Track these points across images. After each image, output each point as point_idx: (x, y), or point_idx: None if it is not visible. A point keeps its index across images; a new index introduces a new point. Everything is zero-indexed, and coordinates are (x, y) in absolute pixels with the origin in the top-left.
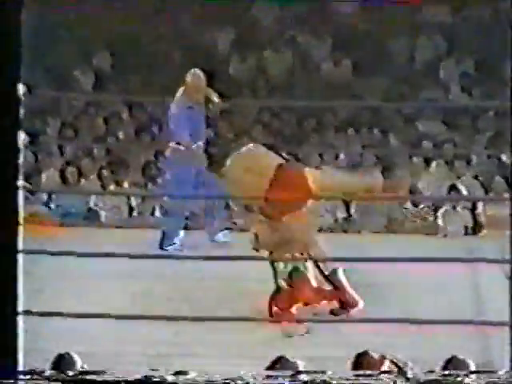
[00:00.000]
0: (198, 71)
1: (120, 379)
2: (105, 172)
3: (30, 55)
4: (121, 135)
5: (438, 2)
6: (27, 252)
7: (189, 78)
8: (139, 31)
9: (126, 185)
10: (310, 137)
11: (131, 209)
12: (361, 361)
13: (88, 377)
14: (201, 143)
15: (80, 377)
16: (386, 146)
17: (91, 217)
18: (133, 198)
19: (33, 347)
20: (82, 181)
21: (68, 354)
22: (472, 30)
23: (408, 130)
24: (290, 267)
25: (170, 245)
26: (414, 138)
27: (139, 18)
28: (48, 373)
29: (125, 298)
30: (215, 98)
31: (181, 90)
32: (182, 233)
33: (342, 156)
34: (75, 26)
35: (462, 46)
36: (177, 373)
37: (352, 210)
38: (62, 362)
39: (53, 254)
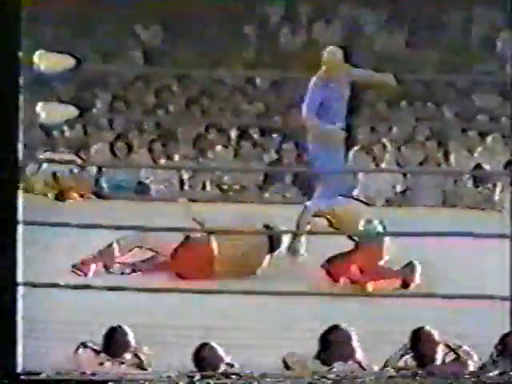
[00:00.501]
0: (333, 48)
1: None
2: (155, 145)
3: (79, 28)
4: (171, 108)
5: None
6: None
7: (325, 55)
8: (189, 3)
9: (176, 158)
10: (362, 110)
11: (182, 182)
12: (418, 336)
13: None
14: (338, 125)
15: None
16: (440, 120)
17: (141, 190)
18: (183, 172)
19: (79, 320)
20: (133, 154)
21: (120, 326)
22: None
23: (463, 103)
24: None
25: None
26: (469, 112)
27: None
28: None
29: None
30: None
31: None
32: None
33: (394, 129)
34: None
35: None
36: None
37: (409, 183)
38: (114, 334)
39: (104, 227)
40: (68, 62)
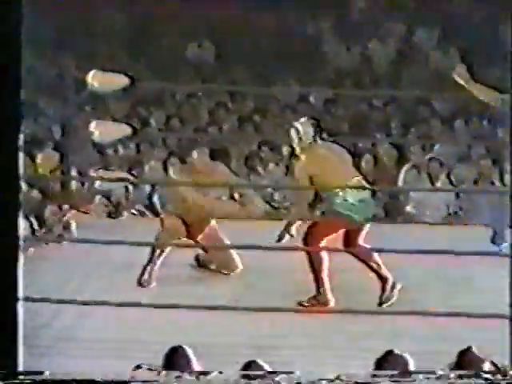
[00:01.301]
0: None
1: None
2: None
3: (133, 47)
4: (224, 126)
5: None
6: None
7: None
8: (243, 21)
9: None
10: (415, 128)
11: (233, 199)
12: (464, 358)
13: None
14: None
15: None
16: (494, 138)
17: None
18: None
19: (139, 339)
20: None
21: (181, 346)
22: None
23: None
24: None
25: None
26: None
27: (242, 8)
28: (47, 375)
29: (230, 290)
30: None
31: None
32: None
33: (448, 147)
34: (178, 17)
35: None
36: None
37: (464, 204)
38: (174, 354)
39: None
40: (122, 80)
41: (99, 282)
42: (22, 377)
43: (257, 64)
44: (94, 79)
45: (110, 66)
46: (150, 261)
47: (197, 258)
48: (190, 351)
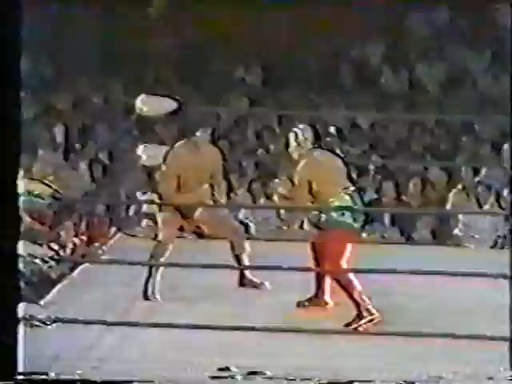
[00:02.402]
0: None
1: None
2: (255, 185)
3: (181, 72)
4: (271, 148)
5: None
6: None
7: None
8: (289, 45)
9: (275, 197)
10: (463, 152)
11: (281, 221)
12: None
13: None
14: None
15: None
16: None
17: None
18: (282, 211)
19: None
20: (232, 194)
21: (228, 367)
22: None
23: None
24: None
25: None
26: None
27: (289, 32)
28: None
29: (269, 311)
30: None
31: None
32: None
33: (497, 171)
34: (226, 41)
35: None
36: None
37: None
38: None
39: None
40: (170, 104)
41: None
42: (22, 377)
43: (304, 88)
44: (143, 104)
45: (157, 91)
46: (150, 274)
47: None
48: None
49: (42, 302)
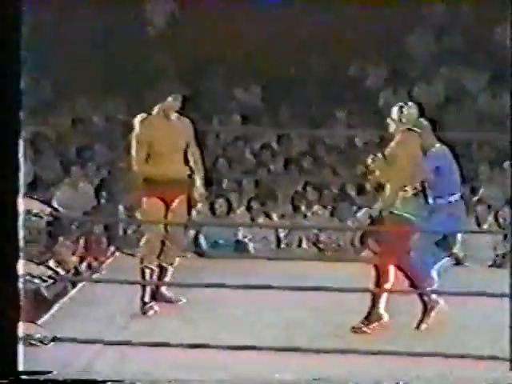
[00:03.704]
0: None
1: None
2: (254, 204)
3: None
4: (271, 167)
5: None
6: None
7: None
8: (288, 64)
9: (274, 216)
10: (463, 170)
11: (279, 240)
12: None
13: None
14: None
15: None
16: None
17: (240, 248)
18: (280, 230)
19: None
20: (232, 213)
21: None
22: None
23: None
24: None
25: None
26: None
27: (288, 51)
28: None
29: (271, 330)
30: None
31: None
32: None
33: (496, 190)
34: (225, 61)
35: None
36: None
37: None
38: None
39: (206, 285)
40: None
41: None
42: (22, 377)
43: (302, 107)
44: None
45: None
46: (144, 287)
47: None
48: None
49: (39, 322)
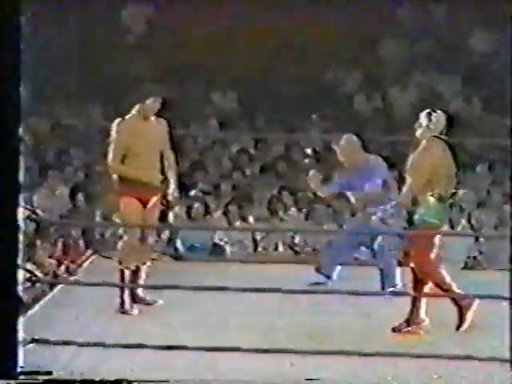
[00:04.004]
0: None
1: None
2: (231, 208)
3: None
4: (247, 171)
5: None
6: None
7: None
8: (265, 69)
9: (251, 220)
10: None
11: (256, 244)
12: None
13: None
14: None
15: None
16: None
17: (216, 252)
18: (257, 233)
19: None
20: (208, 216)
21: None
22: None
23: None
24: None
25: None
26: None
27: (264, 57)
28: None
29: (249, 333)
30: None
31: None
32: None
33: (470, 193)
34: (202, 66)
35: None
36: None
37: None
38: None
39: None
40: None
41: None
42: (22, 377)
43: (279, 112)
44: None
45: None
46: (123, 288)
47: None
48: None
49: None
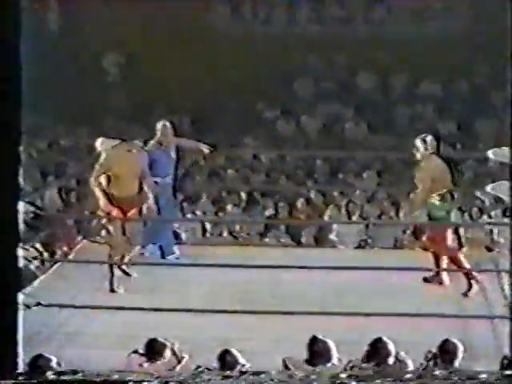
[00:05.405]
0: (167, 123)
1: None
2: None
3: (130, 123)
4: (198, 178)
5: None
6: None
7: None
8: (210, 102)
9: (199, 213)
10: (336, 178)
11: (204, 231)
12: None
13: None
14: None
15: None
16: (394, 186)
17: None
18: (206, 223)
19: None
20: None
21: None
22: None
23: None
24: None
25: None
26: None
27: (208, 92)
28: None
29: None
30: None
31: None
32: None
33: (360, 192)
34: (163, 98)
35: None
36: None
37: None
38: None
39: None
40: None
41: None
42: (22, 377)
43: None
44: (102, 145)
45: (113, 134)
46: (112, 268)
47: None
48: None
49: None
